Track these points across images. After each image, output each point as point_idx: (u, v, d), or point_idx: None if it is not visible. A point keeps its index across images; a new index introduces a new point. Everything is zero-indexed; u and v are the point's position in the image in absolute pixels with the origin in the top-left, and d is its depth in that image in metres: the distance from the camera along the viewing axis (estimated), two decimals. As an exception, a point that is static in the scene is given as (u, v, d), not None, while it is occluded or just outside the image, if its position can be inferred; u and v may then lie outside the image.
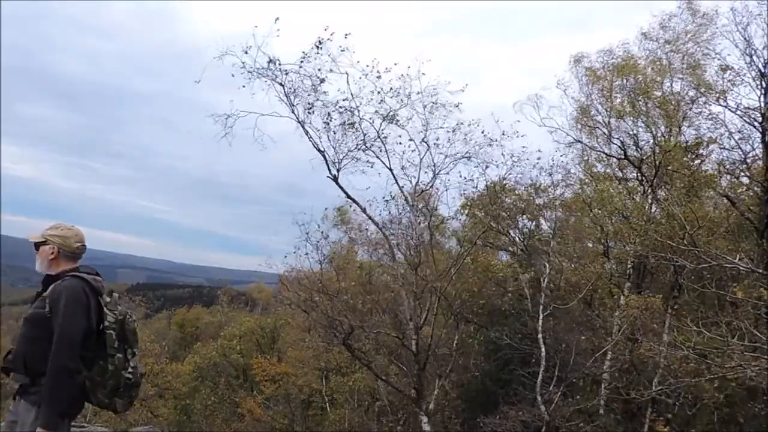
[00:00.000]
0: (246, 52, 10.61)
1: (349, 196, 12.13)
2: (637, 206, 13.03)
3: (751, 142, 12.50)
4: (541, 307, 12.68)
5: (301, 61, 10.95)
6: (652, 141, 13.59)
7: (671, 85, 13.77)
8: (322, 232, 12.77)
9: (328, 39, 10.71)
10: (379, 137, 11.77)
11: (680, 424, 11.81)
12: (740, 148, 12.64)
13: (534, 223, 16.17)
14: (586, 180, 15.02)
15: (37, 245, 3.17)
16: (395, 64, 11.31)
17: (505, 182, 13.38)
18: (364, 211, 12.47)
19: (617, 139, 14.18)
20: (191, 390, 24.49)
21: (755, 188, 12.39)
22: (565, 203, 14.99)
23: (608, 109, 14.20)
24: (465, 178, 12.57)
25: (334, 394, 19.65)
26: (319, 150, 11.59)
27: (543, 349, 12.21)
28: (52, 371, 2.82)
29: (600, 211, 13.36)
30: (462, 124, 11.91)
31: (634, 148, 13.98)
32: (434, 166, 12.23)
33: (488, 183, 13.06)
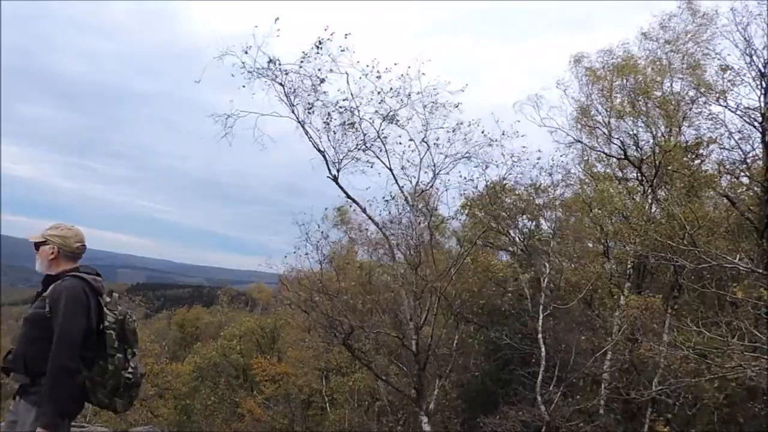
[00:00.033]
0: (246, 52, 10.63)
1: (349, 196, 12.14)
2: (637, 206, 13.03)
3: (751, 142, 12.51)
4: (541, 307, 12.68)
5: (301, 61, 10.97)
6: (652, 141, 13.59)
7: (671, 85, 13.79)
8: (322, 232, 12.79)
9: (328, 39, 10.73)
10: (379, 137, 11.78)
11: (680, 424, 11.81)
12: (740, 148, 12.65)
13: (534, 223, 16.17)
14: (586, 180, 15.02)
15: (37, 245, 3.17)
16: (395, 63, 11.33)
17: (505, 182, 13.38)
18: (364, 211, 12.48)
19: (617, 139, 14.19)
20: (191, 390, 24.48)
21: (755, 188, 12.39)
22: (565, 203, 14.99)
23: (608, 109, 14.20)
24: (465, 178, 12.60)
25: (334, 394, 19.65)
26: (319, 150, 11.60)
27: (543, 349, 12.20)
28: (53, 371, 2.81)
29: (600, 211, 13.36)
30: (462, 124, 11.93)
31: (634, 148, 13.98)
32: (434, 166, 12.25)
33: (488, 183, 13.07)
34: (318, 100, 11.27)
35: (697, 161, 13.63)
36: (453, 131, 11.89)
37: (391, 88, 11.39)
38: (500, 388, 13.66)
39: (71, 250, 3.15)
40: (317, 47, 10.79)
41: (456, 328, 14.89)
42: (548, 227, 15.49)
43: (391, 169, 12.12)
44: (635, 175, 14.36)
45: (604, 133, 14.36)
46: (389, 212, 12.76)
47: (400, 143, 11.98)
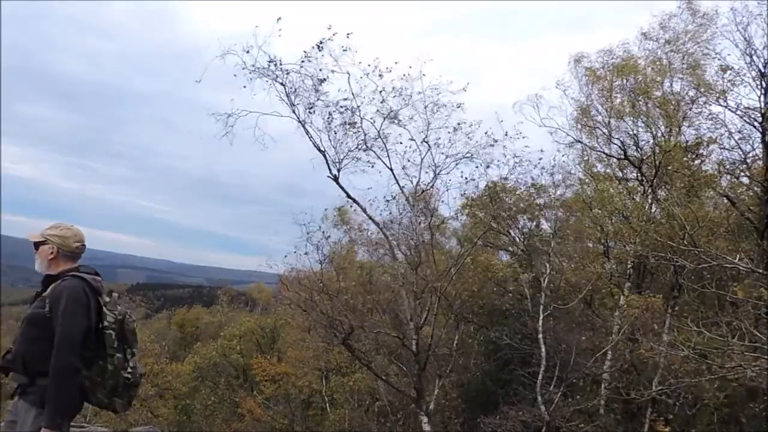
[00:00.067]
0: (247, 52, 10.63)
1: (349, 196, 12.14)
2: (637, 206, 13.03)
3: (751, 142, 12.51)
4: (541, 307, 12.68)
5: (302, 61, 10.97)
6: (652, 141, 13.59)
7: (671, 85, 13.78)
8: (323, 232, 12.80)
9: (329, 39, 10.72)
10: (380, 137, 11.79)
11: (680, 424, 11.81)
12: (740, 148, 12.65)
13: (534, 223, 16.17)
14: (586, 180, 15.02)
15: (37, 245, 3.17)
16: (396, 62, 11.33)
17: (505, 182, 13.39)
18: (364, 211, 12.48)
19: (617, 139, 14.17)
20: (191, 390, 24.48)
21: (755, 188, 12.39)
22: (565, 203, 14.99)
23: (608, 110, 14.19)
24: (466, 178, 12.59)
25: (334, 394, 19.64)
26: (319, 150, 11.60)
27: (543, 349, 12.20)
28: (55, 371, 2.81)
29: (600, 211, 13.35)
30: (462, 123, 11.91)
31: (634, 148, 13.97)
32: (435, 166, 12.25)
33: (489, 183, 13.07)
34: (319, 99, 11.28)
35: (697, 161, 13.63)
36: (454, 131, 11.90)
37: (393, 88, 11.40)
38: (500, 388, 13.66)
39: (71, 249, 3.15)
40: (318, 47, 10.80)
41: (456, 328, 14.88)
42: (548, 227, 15.50)
43: (391, 169, 12.15)
44: (635, 175, 14.35)
45: (604, 133, 14.35)
46: (390, 212, 12.78)
47: (401, 143, 11.99)
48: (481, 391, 14.72)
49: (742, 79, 12.01)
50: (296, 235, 12.27)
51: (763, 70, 11.87)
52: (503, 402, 12.59)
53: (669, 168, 12.58)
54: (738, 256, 9.84)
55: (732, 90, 12.09)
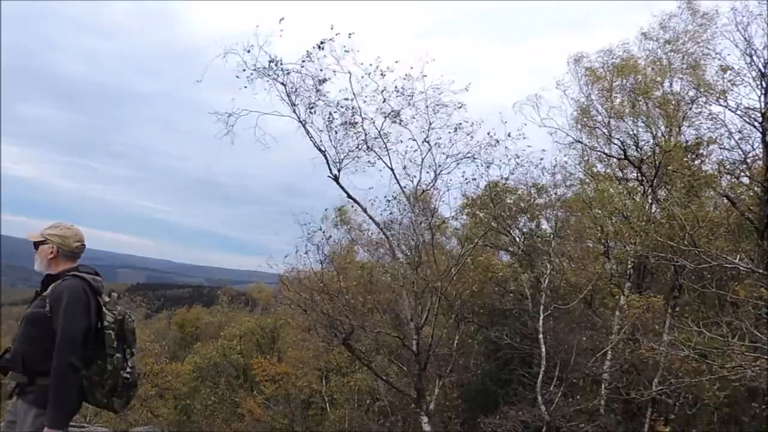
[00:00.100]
0: (248, 51, 10.63)
1: (350, 196, 12.14)
2: (637, 206, 13.03)
3: (751, 142, 12.51)
4: (541, 307, 12.67)
5: (303, 61, 10.96)
6: (652, 141, 13.59)
7: (671, 85, 13.78)
8: (323, 232, 12.80)
9: (331, 40, 10.71)
10: (380, 137, 11.77)
11: (681, 424, 11.81)
12: (740, 148, 12.64)
13: (535, 223, 16.17)
14: (587, 180, 15.02)
15: (36, 244, 3.17)
16: (396, 61, 11.33)
17: (505, 183, 13.39)
18: (365, 210, 12.48)
19: (617, 139, 14.18)
20: (191, 390, 24.48)
21: (755, 188, 12.39)
22: (565, 203, 14.99)
23: (608, 110, 14.19)
24: (466, 179, 12.59)
25: (334, 394, 19.64)
26: (320, 150, 11.59)
27: (543, 349, 12.20)
28: (58, 370, 2.81)
29: (600, 211, 13.35)
30: (464, 123, 11.89)
31: (634, 148, 13.98)
32: (436, 165, 12.24)
33: (489, 183, 13.06)
34: (320, 99, 11.28)
35: (697, 161, 13.63)
36: (455, 131, 11.88)
37: (396, 88, 11.39)
38: (500, 388, 13.66)
39: (70, 249, 3.15)
40: (319, 47, 10.79)
41: (456, 328, 14.88)
42: (549, 227, 15.50)
43: (392, 169, 12.14)
44: (635, 175, 14.35)
45: (604, 133, 14.35)
46: (390, 212, 12.78)
47: (401, 141, 11.98)
48: (481, 391, 14.72)
49: (742, 79, 12.01)
50: (296, 235, 12.29)
51: (763, 70, 11.87)
52: (503, 402, 12.59)
53: (669, 168, 12.57)
54: (738, 256, 9.85)
55: (732, 90, 12.10)
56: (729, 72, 12.04)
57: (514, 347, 13.06)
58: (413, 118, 11.75)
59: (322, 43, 10.73)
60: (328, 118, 11.41)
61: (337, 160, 11.68)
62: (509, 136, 12.05)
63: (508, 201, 14.60)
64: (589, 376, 12.48)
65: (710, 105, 12.78)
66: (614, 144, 14.28)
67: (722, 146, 13.02)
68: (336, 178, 11.76)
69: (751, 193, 12.60)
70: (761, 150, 12.34)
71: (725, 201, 12.67)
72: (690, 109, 13.29)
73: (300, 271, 12.87)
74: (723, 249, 10.63)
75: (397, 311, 13.14)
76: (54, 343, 2.86)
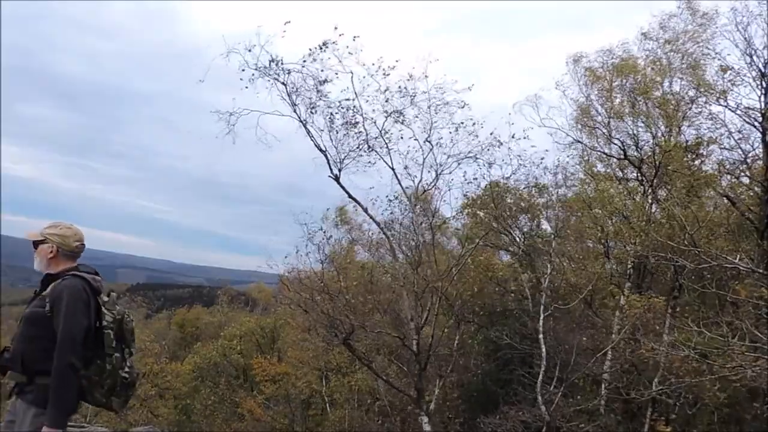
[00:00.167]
0: (249, 50, 10.62)
1: (350, 196, 12.13)
2: (637, 206, 13.03)
3: (751, 142, 12.51)
4: (541, 307, 12.67)
5: (304, 61, 10.95)
6: (652, 141, 13.59)
7: (671, 85, 13.79)
8: (324, 232, 12.79)
9: (333, 43, 10.69)
10: (381, 137, 11.76)
11: (681, 424, 11.81)
12: (740, 148, 12.65)
13: (535, 223, 16.17)
14: (587, 180, 15.02)
15: (36, 244, 3.17)
16: (397, 61, 11.32)
17: (505, 182, 13.39)
18: (365, 210, 12.46)
19: (617, 139, 14.18)
20: (191, 390, 24.47)
21: (755, 188, 12.39)
22: (565, 203, 15.00)
23: (608, 110, 14.20)
24: (467, 179, 12.58)
25: (334, 394, 19.64)
26: (320, 149, 11.58)
27: (544, 350, 12.19)
28: (58, 370, 2.81)
29: (600, 211, 13.35)
30: (465, 122, 11.87)
31: (634, 148, 13.98)
32: (437, 165, 12.23)
33: (490, 182, 13.05)
34: (321, 99, 11.26)
35: (697, 161, 13.63)
36: (456, 130, 11.87)
37: (399, 89, 11.38)
38: (500, 388, 13.65)
39: (70, 249, 3.15)
40: (321, 47, 10.77)
41: (457, 328, 14.88)
42: (549, 227, 15.50)
43: (393, 169, 12.12)
44: (635, 175, 14.35)
45: (604, 133, 14.36)
46: (391, 212, 12.77)
47: (402, 138, 11.96)
48: (481, 391, 14.71)
49: (742, 79, 12.01)
50: (296, 235, 12.27)
51: (763, 70, 11.86)
52: (503, 402, 12.58)
53: (669, 168, 12.57)
54: (738, 256, 9.85)
55: (732, 90, 12.10)
56: (729, 72, 12.04)
57: (514, 347, 13.05)
58: (416, 117, 11.76)
59: (324, 44, 10.72)
60: (329, 118, 11.41)
61: (338, 160, 11.67)
62: (513, 137, 12.04)
63: (509, 201, 14.59)
64: (589, 376, 12.48)
65: (710, 105, 12.80)
66: (614, 144, 14.30)
67: (722, 146, 13.04)
68: (337, 178, 11.75)
69: (751, 193, 12.60)
70: (761, 150, 12.34)
71: (725, 201, 12.67)
72: (690, 109, 13.30)
73: (300, 271, 12.87)
74: (723, 249, 10.63)
75: (398, 311, 13.14)
76: (53, 343, 2.86)
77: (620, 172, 15.05)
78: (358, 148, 11.66)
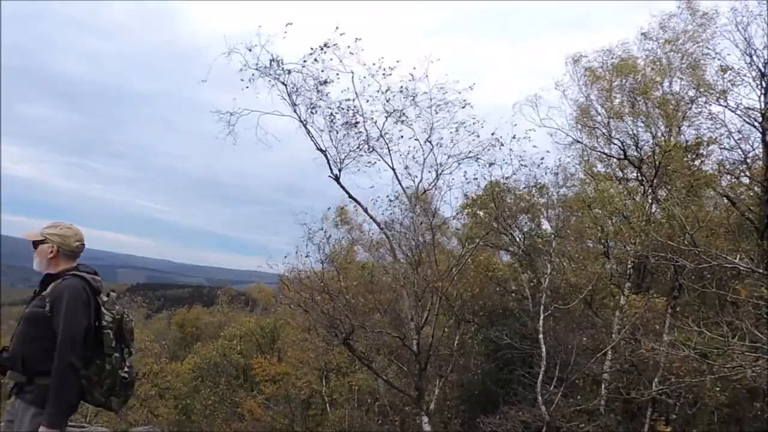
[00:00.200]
0: (250, 50, 10.62)
1: (350, 196, 12.14)
2: (637, 206, 13.03)
3: (751, 142, 12.52)
4: (542, 307, 12.67)
5: (304, 61, 10.95)
6: (651, 141, 13.60)
7: (670, 85, 13.79)
8: (325, 232, 12.79)
9: (335, 44, 10.69)
10: (382, 137, 11.76)
11: (681, 424, 11.81)
12: (740, 148, 12.65)
13: (535, 223, 16.17)
14: (587, 180, 15.03)
15: (36, 244, 3.16)
16: (398, 61, 11.32)
17: (506, 182, 13.39)
18: (365, 210, 12.46)
19: (617, 139, 14.19)
20: (191, 390, 24.46)
21: (755, 188, 12.39)
22: (565, 203, 15.00)
23: (608, 110, 14.20)
24: (467, 179, 12.57)
25: (334, 394, 19.64)
26: (321, 150, 11.58)
27: (544, 349, 12.19)
28: (58, 371, 2.81)
29: (600, 211, 13.35)
30: (466, 121, 11.86)
31: (634, 148, 13.99)
32: (438, 165, 12.22)
33: (490, 182, 13.05)
34: (321, 99, 11.26)
35: (697, 161, 13.63)
36: (456, 130, 11.87)
37: (401, 89, 11.37)
38: (500, 388, 13.65)
39: (71, 249, 3.15)
40: (321, 48, 10.77)
41: (457, 328, 14.88)
42: (549, 227, 15.50)
43: (393, 169, 12.12)
44: (635, 175, 14.36)
45: (603, 133, 14.36)
46: (392, 212, 12.77)
47: (402, 137, 11.95)
48: (481, 391, 14.71)
49: (742, 79, 12.02)
50: (296, 235, 12.26)
51: (763, 70, 11.87)
52: (503, 402, 12.58)
53: (669, 168, 12.58)
54: (738, 256, 9.85)
55: (732, 90, 12.11)
56: (729, 72, 12.04)
57: (514, 347, 13.05)
58: (418, 117, 11.75)
59: (325, 45, 10.71)
60: (330, 118, 11.41)
61: (338, 160, 11.67)
62: (514, 137, 12.03)
63: (509, 201, 14.59)
64: (590, 376, 12.48)
65: (710, 105, 12.81)
66: (614, 144, 14.31)
67: (722, 146, 13.04)
68: (337, 178, 11.75)
69: (751, 193, 12.60)
70: (761, 150, 12.35)
71: (725, 201, 12.68)
72: (690, 109, 13.30)
73: (300, 271, 12.87)
74: (723, 249, 10.63)
75: (398, 311, 13.14)
76: (53, 343, 2.86)
77: (620, 172, 15.06)
78: (358, 148, 11.67)
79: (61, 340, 2.84)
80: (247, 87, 10.83)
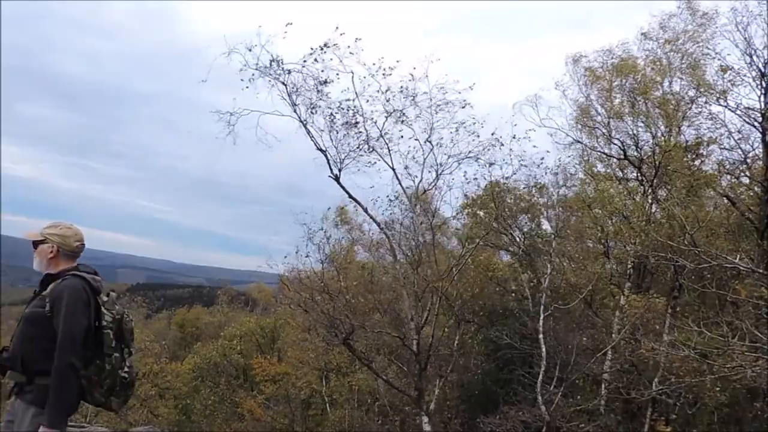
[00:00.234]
0: (250, 50, 10.62)
1: (350, 196, 12.13)
2: (637, 206, 13.03)
3: (751, 142, 12.52)
4: (542, 307, 12.67)
5: (304, 61, 10.95)
6: (652, 141, 13.60)
7: (670, 85, 13.79)
8: (325, 232, 12.79)
9: (334, 45, 10.69)
10: (382, 137, 11.76)
11: (681, 424, 11.81)
12: (740, 148, 12.65)
13: (535, 223, 16.17)
14: (587, 180, 15.03)
15: (36, 243, 3.16)
16: (398, 61, 11.32)
17: (506, 182, 13.39)
18: (365, 210, 12.46)
19: (617, 139, 14.19)
20: (191, 390, 24.47)
21: (755, 188, 12.39)
22: (565, 203, 15.00)
23: (608, 110, 14.20)
24: (467, 179, 12.57)
25: (334, 394, 19.64)
26: (321, 150, 11.58)
27: (544, 349, 12.19)
28: (58, 371, 2.81)
29: (600, 211, 13.36)
30: (466, 121, 11.86)
31: (634, 148, 13.98)
32: (438, 165, 12.22)
33: (490, 182, 13.05)
34: (321, 99, 11.26)
35: (697, 161, 13.63)
36: (456, 130, 11.87)
37: (401, 89, 11.37)
38: (500, 388, 13.65)
39: (71, 249, 3.15)
40: (321, 48, 10.77)
41: (457, 328, 14.88)
42: (549, 227, 15.51)
43: (394, 169, 12.12)
44: (635, 175, 14.35)
45: (603, 133, 14.36)
46: (392, 212, 12.77)
47: (402, 136, 11.95)
48: (481, 391, 14.72)
49: (742, 79, 12.01)
50: (296, 235, 12.27)
51: (763, 70, 11.87)
52: (503, 402, 12.58)
53: (669, 168, 12.58)
54: (738, 256, 9.85)
55: (732, 90, 12.11)
56: (729, 72, 12.04)
57: (514, 347, 13.05)
58: (418, 117, 11.75)
59: (325, 45, 10.71)
60: (330, 118, 11.40)
61: (338, 160, 11.67)
62: (514, 137, 12.03)
63: (509, 201, 14.59)
64: (589, 376, 12.48)
65: (710, 105, 12.81)
66: (614, 144, 14.30)
67: (722, 146, 13.04)
68: (337, 178, 11.75)
69: (751, 193, 12.60)
70: (761, 150, 12.35)
71: (725, 201, 12.68)
72: (690, 109, 13.30)
73: (300, 271, 12.87)
74: (723, 249, 10.63)
75: (398, 311, 13.14)
76: (53, 343, 2.85)
77: (620, 172, 15.05)
78: (358, 148, 11.67)
79: (61, 340, 2.84)
80: (247, 87, 10.84)
